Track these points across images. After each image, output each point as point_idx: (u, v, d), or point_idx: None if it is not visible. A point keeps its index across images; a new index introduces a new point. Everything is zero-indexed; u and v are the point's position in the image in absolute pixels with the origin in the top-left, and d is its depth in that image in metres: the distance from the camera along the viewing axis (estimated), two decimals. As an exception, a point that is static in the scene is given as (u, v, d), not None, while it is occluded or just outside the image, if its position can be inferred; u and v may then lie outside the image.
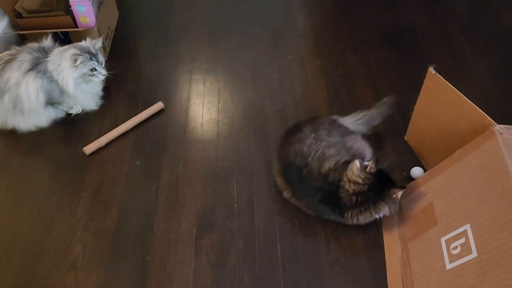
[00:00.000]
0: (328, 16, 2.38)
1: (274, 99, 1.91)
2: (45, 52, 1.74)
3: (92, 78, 1.76)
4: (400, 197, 1.43)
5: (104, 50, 2.10)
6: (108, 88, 1.94)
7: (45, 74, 1.69)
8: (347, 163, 1.36)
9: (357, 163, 1.33)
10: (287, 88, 1.95)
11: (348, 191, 1.31)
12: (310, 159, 1.38)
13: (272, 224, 1.45)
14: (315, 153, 1.39)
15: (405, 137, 1.67)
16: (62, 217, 1.47)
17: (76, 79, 1.72)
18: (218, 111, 1.85)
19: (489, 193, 1.11)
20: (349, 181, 1.31)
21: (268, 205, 1.50)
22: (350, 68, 2.05)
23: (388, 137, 1.72)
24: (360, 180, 1.30)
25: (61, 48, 1.75)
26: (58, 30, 1.96)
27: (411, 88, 1.91)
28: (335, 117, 1.61)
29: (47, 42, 1.79)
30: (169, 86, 1.97)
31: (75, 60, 1.68)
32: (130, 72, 2.05)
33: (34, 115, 1.72)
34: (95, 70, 1.75)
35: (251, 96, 1.92)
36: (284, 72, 2.04)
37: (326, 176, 1.33)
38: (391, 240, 1.37)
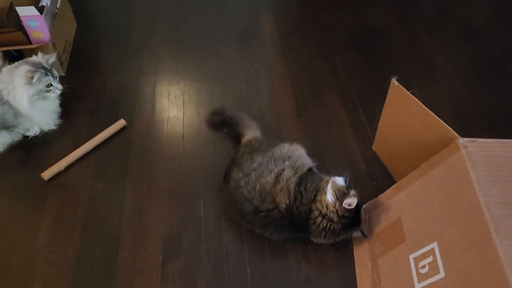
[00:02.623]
0: (294, 19, 2.34)
1: (241, 110, 1.84)
2: (-7, 74, 1.64)
3: (48, 94, 1.68)
4: (369, 210, 1.41)
5: (61, 64, 2.00)
6: (68, 105, 1.85)
7: (-6, 97, 1.60)
8: (304, 180, 1.32)
9: (329, 198, 1.27)
10: (253, 98, 1.91)
11: (319, 225, 1.28)
12: (255, 200, 1.30)
13: (241, 245, 1.41)
14: (254, 190, 1.30)
15: (372, 147, 1.65)
16: (21, 250, 1.40)
17: (32, 97, 1.63)
18: (183, 126, 1.79)
19: (455, 210, 1.10)
20: (323, 216, 1.28)
21: (236, 225, 1.45)
22: (317, 73, 2.02)
23: (356, 145, 1.70)
24: (335, 218, 1.26)
25: (10, 66, 1.66)
26: (8, 48, 1.86)
27: (380, 92, 1.88)
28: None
29: (-3, 61, 1.69)
30: (131, 101, 1.90)
31: (32, 77, 1.59)
32: (90, 87, 1.97)
33: (-14, 142, 1.63)
34: (51, 85, 1.67)
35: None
36: (250, 80, 1.99)
37: (289, 210, 1.28)
38: (362, 256, 1.35)
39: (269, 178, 1.31)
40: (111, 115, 1.83)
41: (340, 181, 1.40)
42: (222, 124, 1.60)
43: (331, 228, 1.27)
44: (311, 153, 1.61)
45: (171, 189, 1.57)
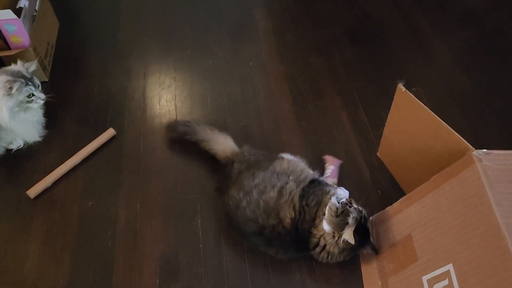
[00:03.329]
0: (289, 13, 2.22)
1: (236, 114, 1.76)
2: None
3: (30, 105, 1.57)
4: (377, 223, 1.34)
5: (44, 69, 1.89)
6: (53, 114, 1.74)
7: (-27, 111, 1.49)
8: (306, 193, 1.24)
9: (326, 228, 1.18)
10: (250, 101, 1.81)
11: (318, 254, 1.22)
12: (260, 218, 1.22)
13: (242, 265, 1.33)
14: (258, 208, 1.23)
15: (377, 153, 1.57)
16: (8, 276, 1.31)
17: (12, 108, 1.53)
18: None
19: (472, 231, 1.02)
20: (321, 248, 1.21)
21: (237, 242, 1.37)
22: (316, 72, 1.92)
23: (359, 150, 1.62)
24: (336, 251, 1.19)
25: None
26: (-13, 56, 1.74)
27: (380, 90, 1.82)
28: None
29: (-29, 71, 1.57)
30: (120, 108, 1.79)
31: (11, 88, 1.49)
32: (76, 93, 1.85)
33: (-34, 158, 1.52)
34: (33, 95, 1.57)
35: (212, 113, 1.77)
36: (245, 82, 1.89)
37: (295, 227, 1.21)
38: (370, 274, 1.28)
39: (272, 193, 1.23)
40: (99, 123, 1.73)
41: (342, 193, 1.33)
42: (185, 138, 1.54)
43: (332, 259, 1.20)
44: (312, 161, 1.54)
45: (166, 204, 1.48)
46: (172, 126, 1.60)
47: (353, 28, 2.12)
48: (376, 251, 1.24)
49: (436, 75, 1.88)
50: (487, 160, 1.07)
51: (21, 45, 1.77)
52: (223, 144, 1.47)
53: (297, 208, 1.21)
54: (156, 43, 2.08)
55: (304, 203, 1.23)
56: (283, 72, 1.93)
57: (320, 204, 1.22)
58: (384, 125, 1.48)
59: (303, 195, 1.24)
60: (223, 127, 1.70)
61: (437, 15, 2.17)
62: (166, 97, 1.83)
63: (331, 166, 1.53)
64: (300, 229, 1.20)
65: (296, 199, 1.22)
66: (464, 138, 1.11)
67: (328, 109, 1.78)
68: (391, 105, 1.38)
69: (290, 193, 1.22)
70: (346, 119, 1.73)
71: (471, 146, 1.10)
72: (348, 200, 1.23)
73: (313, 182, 1.32)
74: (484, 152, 1.08)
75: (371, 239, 1.26)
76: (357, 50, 2.01)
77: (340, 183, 1.51)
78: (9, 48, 1.78)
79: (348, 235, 1.16)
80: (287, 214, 1.21)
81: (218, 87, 1.87)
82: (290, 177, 1.27)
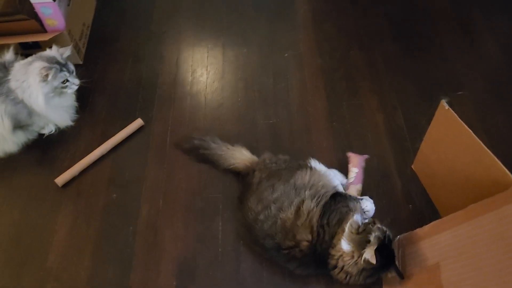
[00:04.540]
0: (331, 1, 2.08)
1: (266, 110, 1.70)
2: (6, 68, 1.54)
3: (65, 90, 1.58)
4: (404, 244, 1.27)
5: (79, 52, 1.89)
6: (84, 99, 1.75)
7: (8, 96, 1.51)
8: (328, 210, 1.19)
9: (345, 247, 1.13)
10: (281, 96, 1.74)
11: (337, 276, 1.17)
12: (277, 237, 1.18)
13: (260, 274, 1.31)
14: (275, 226, 1.18)
15: (412, 166, 1.47)
16: (32, 266, 1.35)
17: (47, 94, 1.54)
18: (205, 130, 1.66)
19: (509, 275, 0.93)
20: (340, 268, 1.16)
21: (255, 250, 1.34)
22: (354, 68, 1.81)
23: (394, 160, 1.52)
24: (354, 272, 1.13)
25: (23, 62, 1.55)
26: (24, 40, 1.74)
27: (424, 94, 1.69)
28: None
29: (8, 55, 1.58)
30: (150, 96, 1.77)
31: (46, 75, 1.49)
32: (108, 78, 1.85)
33: (0, 143, 1.56)
34: (67, 81, 1.56)
35: (242, 108, 1.71)
36: (279, 74, 1.81)
37: (312, 248, 1.16)
38: (392, 297, 1.22)
39: (289, 214, 1.18)
40: (129, 111, 1.72)
41: (369, 205, 1.26)
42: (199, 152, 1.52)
43: (352, 280, 1.14)
44: (340, 166, 1.47)
45: (188, 202, 1.47)
46: (188, 138, 1.56)
47: (399, 19, 1.96)
48: (401, 275, 1.17)
49: (487, 79, 1.72)
50: (534, 197, 0.97)
51: (56, 28, 1.77)
52: (240, 157, 1.43)
53: (315, 229, 1.15)
54: (190, 27, 2.02)
55: (324, 221, 1.17)
56: (319, 66, 1.83)
57: (342, 223, 1.16)
58: (424, 134, 1.37)
59: (324, 211, 1.18)
60: (251, 123, 1.65)
61: (493, 9, 1.96)
62: (196, 88, 1.79)
63: (355, 169, 1.44)
64: (318, 250, 1.15)
65: (315, 219, 1.17)
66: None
67: (364, 109, 1.67)
68: (433, 112, 1.24)
69: (308, 214, 1.17)
70: (382, 122, 1.63)
71: (516, 179, 0.99)
72: (372, 220, 1.17)
73: (336, 196, 1.25)
74: (531, 187, 0.97)
75: (396, 262, 1.19)
76: (401, 45, 1.86)
77: (368, 192, 1.43)
78: (45, 31, 1.78)
79: (369, 254, 1.09)
80: (304, 237, 1.16)
81: (251, 79, 1.80)
82: (307, 192, 1.20)
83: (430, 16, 1.96)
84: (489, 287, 0.97)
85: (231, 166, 1.46)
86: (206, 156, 1.50)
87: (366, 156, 1.47)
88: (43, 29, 1.77)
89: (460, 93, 1.68)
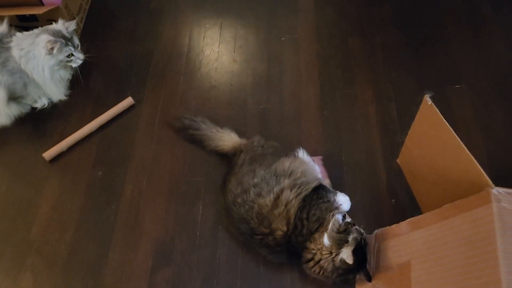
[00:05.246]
0: (335, -16, 2.02)
1: (258, 95, 1.68)
2: (0, 41, 1.55)
3: (70, 64, 1.61)
4: (380, 239, 1.25)
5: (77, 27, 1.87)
6: (78, 74, 1.74)
7: (5, 66, 1.52)
8: (308, 204, 1.18)
9: (326, 241, 1.12)
10: (274, 82, 1.71)
11: (311, 269, 1.17)
12: (252, 222, 1.19)
13: (235, 259, 1.32)
14: (252, 211, 1.19)
15: (397, 160, 1.44)
16: (16, 237, 1.39)
17: (53, 67, 1.57)
18: (195, 111, 1.65)
19: (472, 279, 0.92)
20: (315, 262, 1.15)
21: (233, 235, 1.35)
22: (352, 55, 1.76)
23: (381, 151, 1.49)
24: (329, 268, 1.13)
25: (29, 33, 1.56)
26: (16, 13, 1.74)
27: (421, 87, 1.64)
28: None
29: (2, 27, 1.59)
30: (143, 75, 1.77)
31: (52, 48, 1.51)
32: (103, 55, 1.84)
33: (-7, 115, 1.59)
34: (72, 55, 1.58)
35: (233, 91, 1.70)
36: (274, 59, 1.78)
37: (286, 238, 1.15)
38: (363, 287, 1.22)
39: (268, 201, 1.18)
40: (121, 90, 1.72)
41: (342, 199, 1.25)
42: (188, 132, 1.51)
43: (325, 275, 1.14)
44: (327, 157, 1.46)
45: (172, 185, 1.47)
46: (179, 117, 1.55)
47: (405, 8, 1.89)
48: (369, 278, 1.17)
49: (488, 73, 1.66)
50: (507, 202, 0.94)
51: (53, 1, 1.76)
52: (228, 139, 1.42)
53: (292, 222, 1.15)
54: (189, 6, 1.99)
55: (304, 215, 1.16)
56: (316, 52, 1.79)
57: (323, 222, 1.16)
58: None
59: (304, 206, 1.17)
60: (241, 108, 1.64)
61: (505, 2, 1.87)
62: (190, 68, 1.78)
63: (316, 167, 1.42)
64: (293, 241, 1.15)
65: (293, 211, 1.16)
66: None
67: (357, 99, 1.64)
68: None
69: (286, 205, 1.16)
70: (374, 114, 1.59)
71: (491, 182, 0.96)
72: (352, 221, 1.16)
73: (318, 190, 1.24)
74: (505, 192, 0.95)
75: (372, 257, 1.19)
76: (403, 35, 1.80)
77: (353, 184, 1.42)
78: (42, 4, 1.77)
79: (346, 254, 1.09)
80: (280, 227, 1.15)
81: (245, 62, 1.78)
82: (286, 181, 1.19)
83: (438, 7, 1.88)
84: (450, 287, 0.96)
85: (218, 148, 1.46)
86: (195, 137, 1.50)
87: (321, 156, 1.46)
88: (40, 2, 1.77)
89: (457, 86, 1.63)
